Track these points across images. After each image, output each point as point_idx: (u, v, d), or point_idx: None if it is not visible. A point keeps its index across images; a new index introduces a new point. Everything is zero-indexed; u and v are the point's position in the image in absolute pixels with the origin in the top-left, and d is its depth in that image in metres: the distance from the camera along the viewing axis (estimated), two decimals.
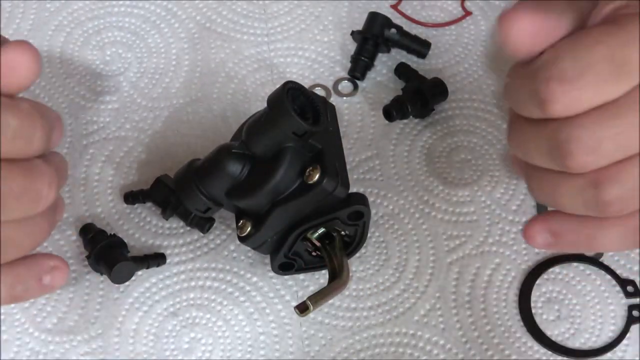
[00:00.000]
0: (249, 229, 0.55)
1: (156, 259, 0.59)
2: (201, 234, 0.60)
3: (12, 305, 0.58)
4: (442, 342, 0.57)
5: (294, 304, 0.57)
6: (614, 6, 0.46)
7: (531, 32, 0.45)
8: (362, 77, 0.66)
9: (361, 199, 0.55)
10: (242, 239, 0.55)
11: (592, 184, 0.46)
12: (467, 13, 0.70)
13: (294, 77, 0.67)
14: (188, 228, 0.61)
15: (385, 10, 0.69)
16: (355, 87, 0.67)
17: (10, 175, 0.45)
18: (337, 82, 0.67)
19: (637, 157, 0.46)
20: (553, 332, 0.57)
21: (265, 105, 0.53)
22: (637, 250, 0.59)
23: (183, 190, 0.56)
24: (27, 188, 0.46)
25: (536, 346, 0.57)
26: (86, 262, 0.59)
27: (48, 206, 0.47)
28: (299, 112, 0.52)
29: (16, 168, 0.45)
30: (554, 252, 0.60)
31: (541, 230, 0.50)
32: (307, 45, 0.69)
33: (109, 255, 0.57)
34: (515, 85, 0.46)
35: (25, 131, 0.45)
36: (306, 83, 0.66)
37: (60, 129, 0.50)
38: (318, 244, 0.55)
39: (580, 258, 0.59)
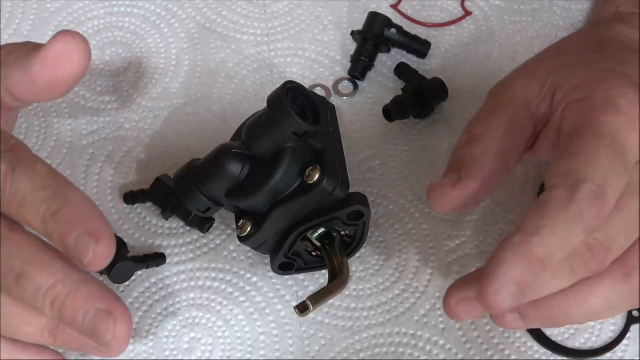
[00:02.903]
0: (249, 229, 0.55)
1: (156, 259, 0.59)
2: (201, 234, 0.60)
3: None
4: (442, 342, 0.57)
5: (294, 304, 0.57)
6: (570, 101, 0.49)
7: (458, 205, 0.50)
8: (362, 77, 0.66)
9: (361, 199, 0.55)
10: (242, 239, 0.55)
11: (622, 277, 0.48)
12: (467, 13, 0.70)
13: (294, 77, 0.67)
14: (188, 228, 0.61)
15: (385, 10, 0.69)
16: (355, 87, 0.67)
17: (12, 249, 0.46)
18: (337, 82, 0.67)
19: None
20: (553, 332, 0.57)
21: (265, 105, 0.53)
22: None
23: (183, 190, 0.56)
24: (27, 275, 0.46)
25: (536, 346, 0.57)
26: None
27: None
28: (299, 112, 0.52)
29: (22, 246, 0.46)
30: None
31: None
32: (307, 45, 0.69)
33: None
34: (552, 226, 0.45)
35: (34, 202, 0.45)
36: (306, 83, 0.66)
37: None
38: (318, 244, 0.55)
39: None
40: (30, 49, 0.50)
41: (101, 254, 0.45)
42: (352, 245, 0.58)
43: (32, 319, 0.48)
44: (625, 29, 0.53)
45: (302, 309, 0.51)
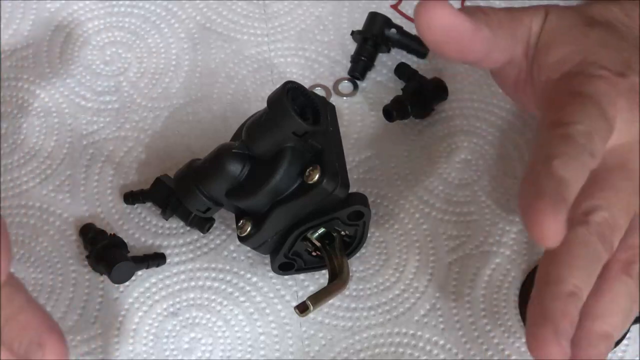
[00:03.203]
0: (249, 229, 0.55)
1: (156, 259, 0.59)
2: (201, 234, 0.60)
3: None
4: (442, 342, 0.57)
5: (294, 304, 0.57)
6: (555, 77, 0.51)
7: (442, 26, 0.48)
8: (362, 77, 0.66)
9: (361, 199, 0.55)
10: (242, 239, 0.55)
11: (622, 272, 0.49)
12: None
13: (294, 77, 0.67)
14: (188, 228, 0.61)
15: (385, 10, 0.69)
16: (355, 87, 0.67)
17: None
18: (337, 82, 0.67)
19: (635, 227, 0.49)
20: None
21: (265, 105, 0.53)
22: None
23: (183, 190, 0.56)
24: None
25: None
26: (86, 262, 0.59)
27: None
28: (299, 112, 0.52)
29: None
30: None
31: None
32: (307, 45, 0.69)
33: (109, 255, 0.57)
34: (567, 156, 0.46)
35: None
36: (306, 83, 0.66)
37: None
38: (318, 244, 0.55)
39: None
40: None
41: None
42: (352, 245, 0.58)
43: None
44: (619, 12, 0.54)
45: (302, 309, 0.51)
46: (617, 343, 0.56)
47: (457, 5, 0.70)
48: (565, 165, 0.45)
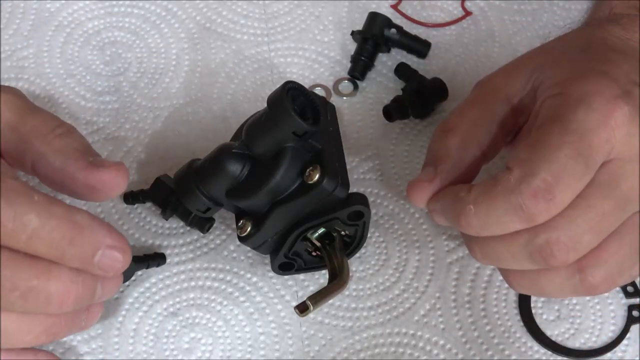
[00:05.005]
0: (249, 229, 0.55)
1: (156, 259, 0.59)
2: (201, 234, 0.60)
3: None
4: (442, 342, 0.57)
5: (294, 304, 0.57)
6: (548, 95, 0.49)
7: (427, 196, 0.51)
8: (362, 77, 0.66)
9: (361, 199, 0.55)
10: (242, 239, 0.55)
11: (576, 270, 0.48)
12: (467, 13, 0.70)
13: (294, 77, 0.67)
14: (188, 228, 0.61)
15: (385, 10, 0.69)
16: (355, 87, 0.67)
17: (15, 270, 0.44)
18: (337, 82, 0.67)
19: (615, 235, 0.48)
20: (553, 332, 0.57)
21: (265, 105, 0.53)
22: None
23: (183, 190, 0.56)
24: (36, 288, 0.45)
25: (536, 346, 0.57)
26: None
27: (63, 311, 0.46)
28: (299, 112, 0.52)
29: (27, 264, 0.45)
30: None
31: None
32: (307, 45, 0.69)
33: None
34: (488, 207, 0.47)
35: (46, 234, 0.44)
36: (306, 83, 0.66)
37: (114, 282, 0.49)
38: (318, 244, 0.55)
39: None
40: (77, 145, 0.49)
41: (126, 263, 0.48)
42: (352, 245, 0.58)
43: (31, 327, 0.48)
44: (617, 29, 0.53)
45: (302, 309, 0.51)
46: (617, 343, 0.56)
47: (457, 5, 0.70)
48: (478, 215, 0.47)
